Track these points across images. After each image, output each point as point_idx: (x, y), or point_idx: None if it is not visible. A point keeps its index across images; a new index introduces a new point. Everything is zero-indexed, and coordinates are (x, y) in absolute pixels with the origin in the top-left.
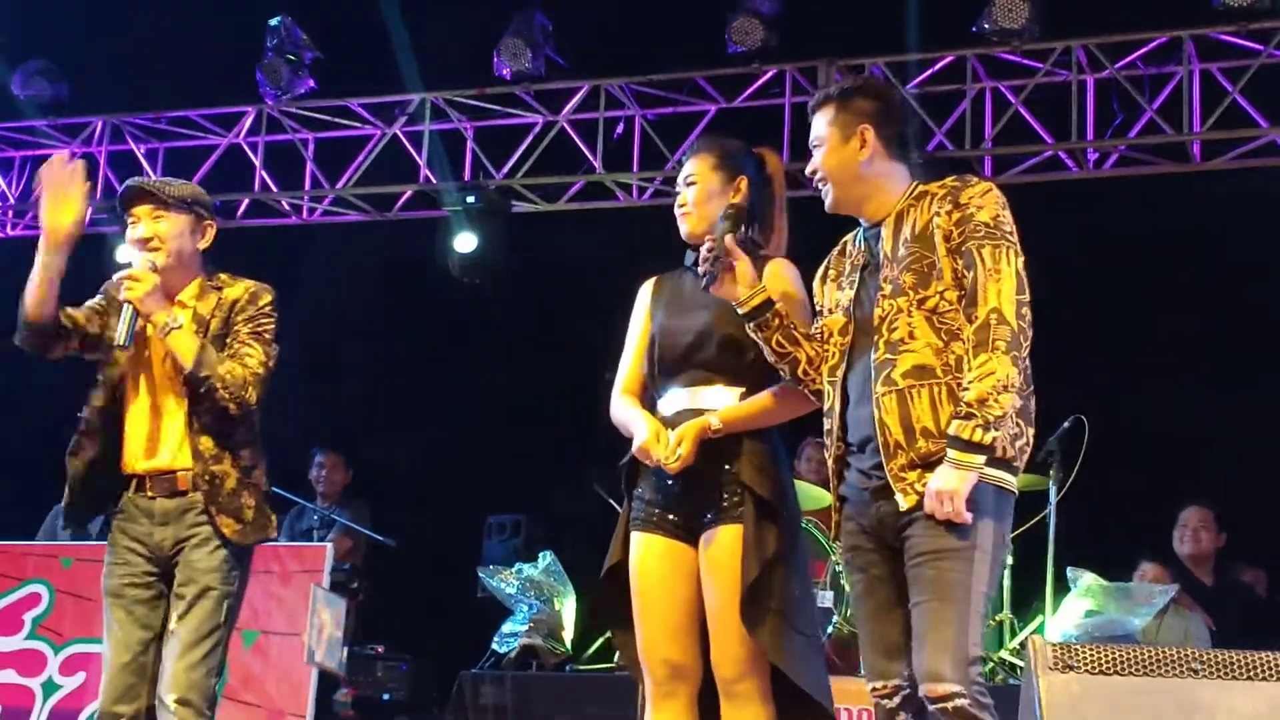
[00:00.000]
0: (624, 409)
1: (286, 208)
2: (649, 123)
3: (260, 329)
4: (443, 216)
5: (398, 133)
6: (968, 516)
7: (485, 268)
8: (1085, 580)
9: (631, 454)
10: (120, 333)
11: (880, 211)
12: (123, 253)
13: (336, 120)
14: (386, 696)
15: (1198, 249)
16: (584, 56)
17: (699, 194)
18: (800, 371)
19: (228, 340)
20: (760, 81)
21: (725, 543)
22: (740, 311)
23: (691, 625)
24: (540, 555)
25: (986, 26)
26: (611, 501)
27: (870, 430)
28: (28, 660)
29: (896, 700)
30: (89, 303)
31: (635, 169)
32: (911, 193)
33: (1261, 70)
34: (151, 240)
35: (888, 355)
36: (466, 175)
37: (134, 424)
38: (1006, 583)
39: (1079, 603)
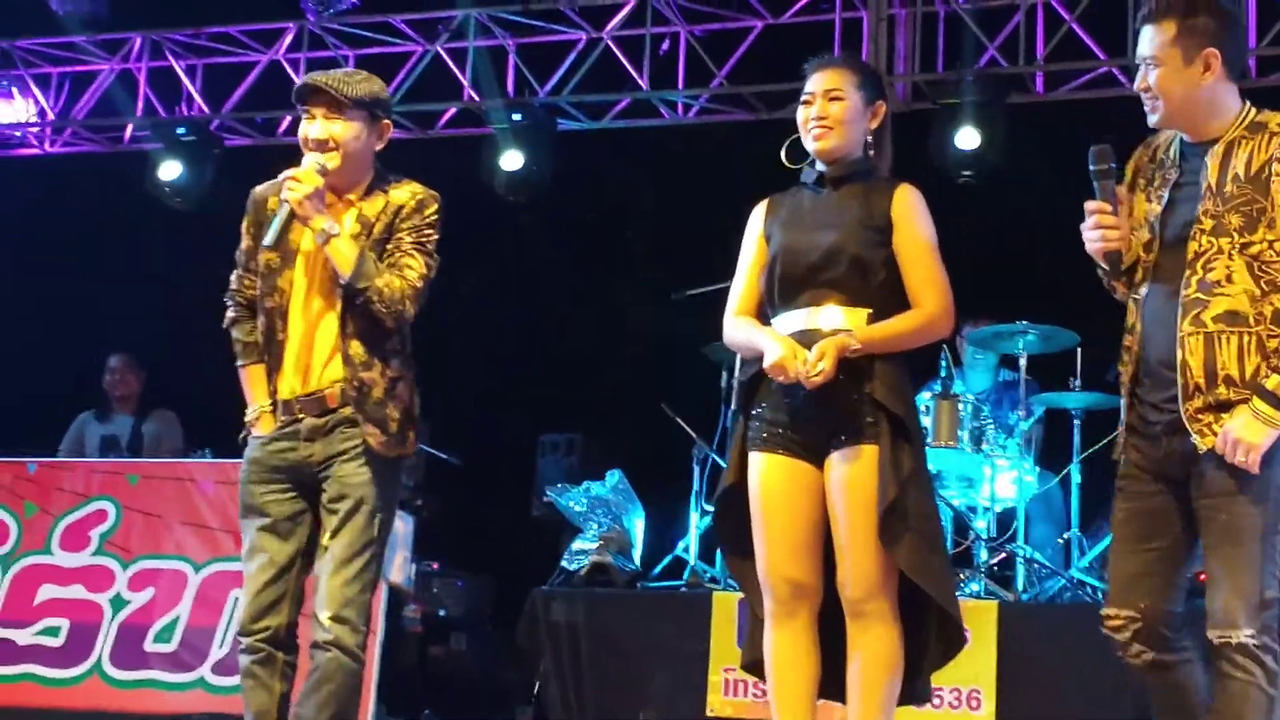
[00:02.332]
0: (745, 328)
1: None
2: (695, 39)
3: (424, 239)
4: (487, 134)
5: (440, 50)
6: (1257, 470)
7: (532, 186)
8: None
9: (751, 373)
10: (270, 233)
11: (1209, 133)
12: (166, 169)
13: (378, 37)
14: (443, 613)
15: None
16: None
17: (846, 111)
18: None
19: (388, 247)
20: None
21: (861, 462)
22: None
23: (815, 544)
24: (608, 474)
25: None
26: (680, 421)
27: (1166, 361)
28: (95, 576)
29: (1128, 633)
30: (242, 245)
31: (681, 86)
32: (1244, 120)
33: None
34: (327, 142)
35: (1199, 294)
36: (510, 93)
37: (291, 346)
38: (1074, 502)
39: None
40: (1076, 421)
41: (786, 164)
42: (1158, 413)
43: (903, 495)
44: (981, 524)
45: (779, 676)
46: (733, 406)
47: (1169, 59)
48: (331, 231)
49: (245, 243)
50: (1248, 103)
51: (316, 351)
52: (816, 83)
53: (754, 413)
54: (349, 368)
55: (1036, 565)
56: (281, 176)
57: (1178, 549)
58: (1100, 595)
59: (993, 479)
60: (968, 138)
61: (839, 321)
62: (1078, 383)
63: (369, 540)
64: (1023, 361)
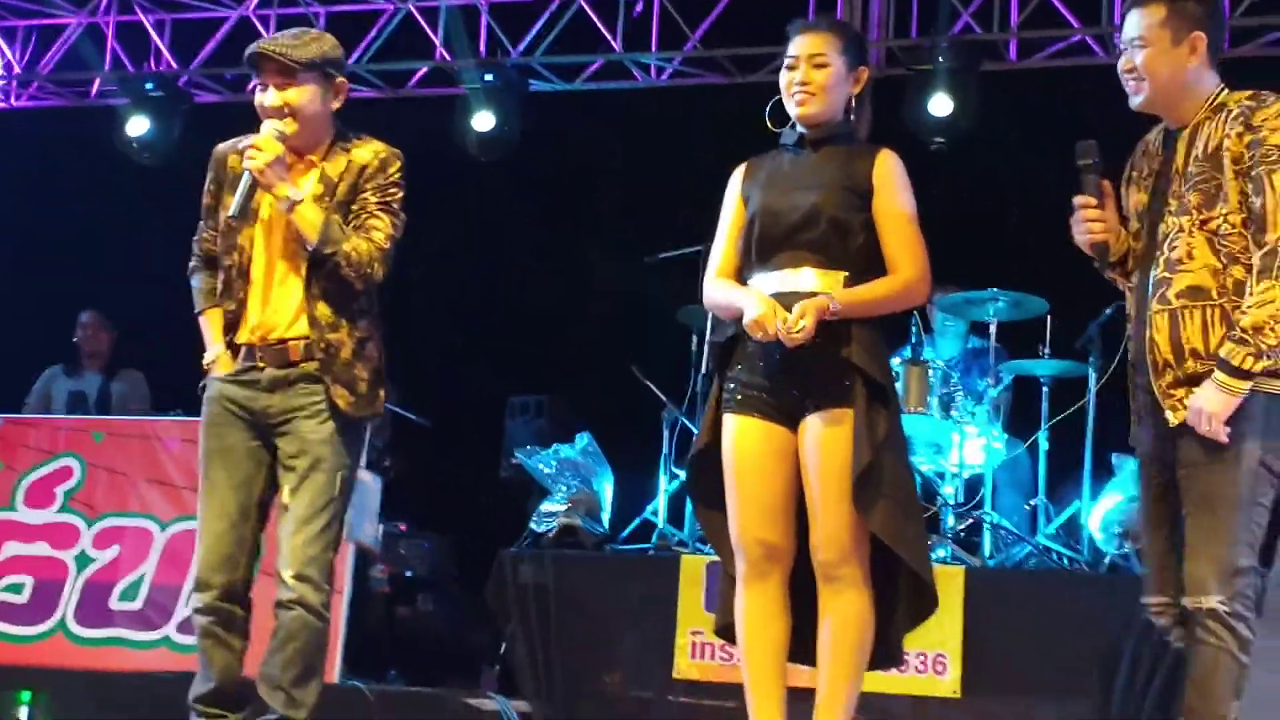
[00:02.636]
0: (724, 289)
1: None
2: (669, 1)
3: (389, 198)
4: (458, 94)
5: (412, 8)
6: (1225, 439)
7: (503, 146)
8: (1129, 466)
9: (728, 335)
10: (235, 204)
11: (1185, 117)
12: (134, 125)
13: None
14: (409, 574)
15: None
16: None
17: (829, 77)
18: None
19: (353, 208)
20: None
21: (836, 426)
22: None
23: (788, 507)
24: (577, 436)
25: None
26: (649, 385)
27: (1142, 343)
28: (60, 533)
29: (1170, 618)
30: (205, 201)
31: (654, 49)
32: (1211, 102)
33: None
34: (283, 109)
35: (1165, 273)
36: (482, 53)
37: (254, 297)
38: (1041, 469)
39: (1119, 489)
40: (1045, 389)
41: (770, 127)
42: (1144, 394)
43: (877, 460)
44: (949, 490)
45: (750, 638)
46: (704, 369)
47: (1157, 40)
48: (295, 198)
49: (206, 200)
50: (1220, 85)
51: (280, 311)
52: (800, 46)
53: (729, 375)
54: (315, 330)
55: (1003, 532)
56: (242, 144)
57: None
58: (1065, 560)
59: (961, 445)
60: (941, 104)
61: (816, 284)
62: (1047, 350)
63: (330, 499)
64: (993, 328)
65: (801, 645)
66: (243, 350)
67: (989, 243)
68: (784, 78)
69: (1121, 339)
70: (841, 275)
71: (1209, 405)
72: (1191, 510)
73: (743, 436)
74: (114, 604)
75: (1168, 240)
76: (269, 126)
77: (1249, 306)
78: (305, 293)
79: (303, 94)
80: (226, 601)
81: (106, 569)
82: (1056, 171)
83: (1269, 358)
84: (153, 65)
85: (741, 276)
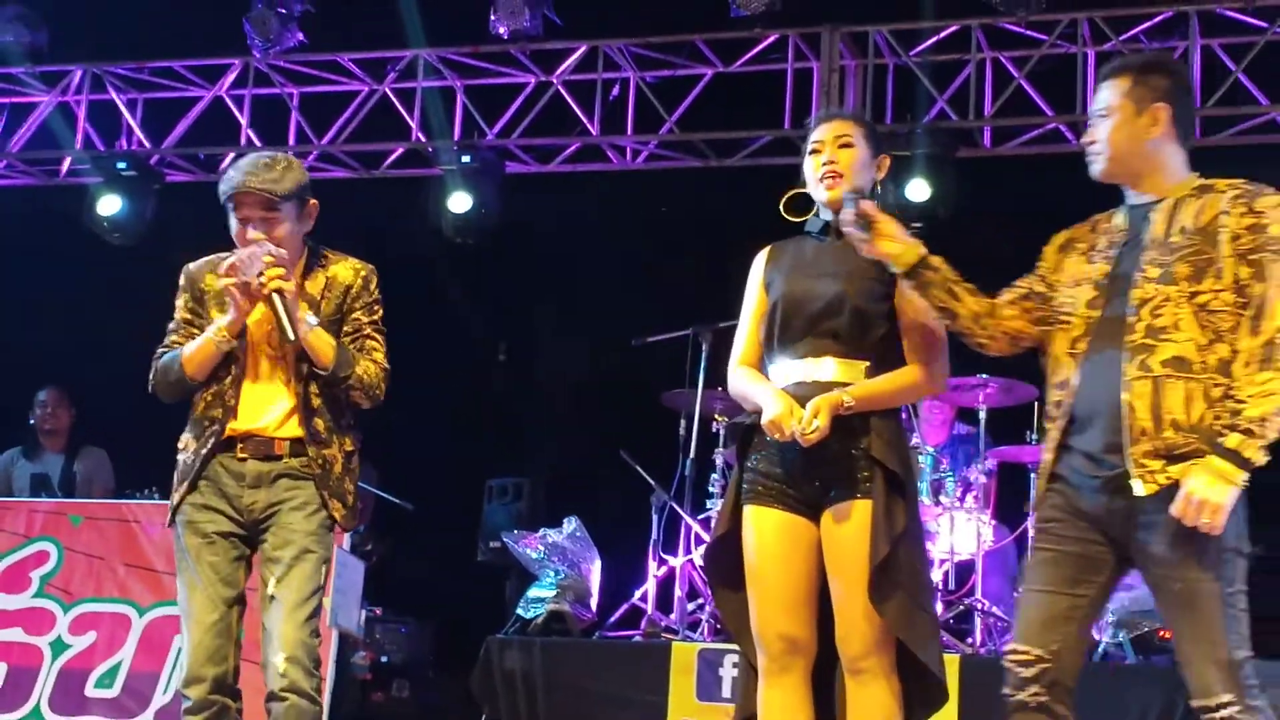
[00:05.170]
0: (747, 381)
1: None
2: (646, 85)
3: (377, 317)
4: (432, 176)
5: (387, 90)
6: (1219, 532)
7: (479, 227)
8: None
9: (748, 423)
10: (286, 328)
11: (1153, 191)
12: (105, 204)
13: (325, 75)
14: (384, 659)
15: None
16: (582, 16)
17: (855, 159)
18: (962, 325)
19: (345, 328)
20: (760, 47)
21: (855, 518)
22: (897, 270)
23: (810, 599)
24: (565, 520)
25: None
26: (640, 470)
27: (1105, 410)
28: (36, 619)
29: (1033, 670)
30: (177, 316)
31: (630, 131)
32: (1192, 184)
33: (1266, 48)
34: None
35: (1147, 339)
36: (457, 134)
37: (244, 404)
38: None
39: None
40: (1032, 475)
41: (786, 217)
42: (1094, 465)
43: (894, 553)
44: (940, 577)
45: None
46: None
47: (1120, 109)
48: (311, 322)
49: (183, 314)
50: (1194, 172)
51: (268, 416)
52: (824, 131)
53: (748, 464)
54: (314, 445)
55: (994, 619)
56: (221, 266)
57: (1098, 602)
58: None
59: (951, 532)
60: (918, 189)
61: (837, 374)
62: (1035, 436)
63: (316, 587)
64: (982, 414)
65: None
66: (224, 440)
67: None
68: (809, 164)
69: None
70: (864, 365)
71: (1214, 497)
72: (1175, 612)
73: (763, 528)
74: (90, 691)
75: (1149, 307)
76: (262, 250)
77: (1250, 395)
78: (302, 406)
79: (286, 224)
80: (219, 694)
81: (83, 655)
82: (1034, 256)
83: (1267, 453)
84: (124, 144)
85: (763, 363)
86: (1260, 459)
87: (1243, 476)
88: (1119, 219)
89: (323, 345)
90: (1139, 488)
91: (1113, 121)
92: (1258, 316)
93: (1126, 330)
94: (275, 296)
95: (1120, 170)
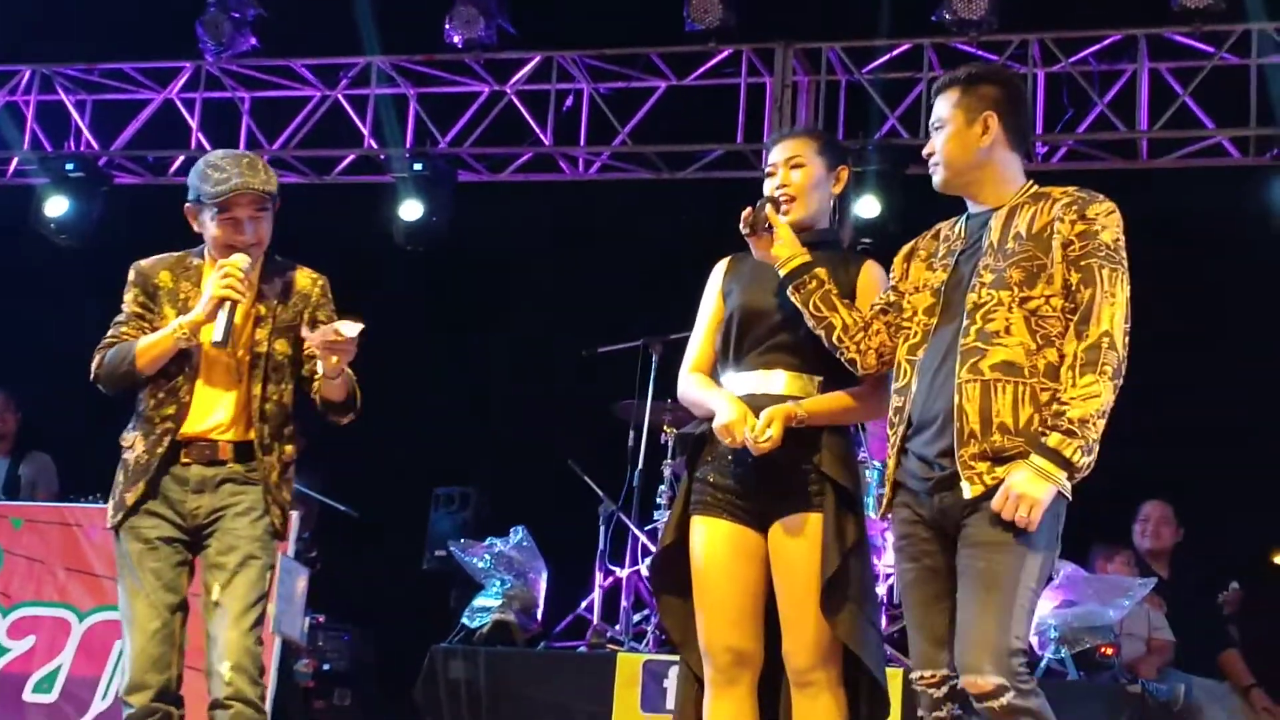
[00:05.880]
0: (699, 388)
1: None
2: (599, 96)
3: None
4: (384, 183)
5: (340, 96)
6: (1035, 528)
7: (430, 235)
8: (1066, 570)
9: (698, 433)
10: (219, 331)
11: (990, 199)
12: (53, 205)
13: (277, 80)
14: (327, 667)
15: (1149, 243)
16: (537, 26)
17: (807, 179)
18: (835, 338)
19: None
20: (714, 61)
21: (806, 531)
22: (781, 272)
23: (756, 612)
24: (512, 530)
25: (946, 17)
26: (587, 480)
27: (940, 413)
28: None
29: (943, 690)
30: (126, 310)
31: (583, 143)
32: (1028, 190)
33: (1213, 72)
34: (257, 245)
35: (978, 344)
36: (409, 142)
37: (195, 405)
38: None
39: (1057, 593)
40: None
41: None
42: (927, 467)
43: (845, 566)
44: (884, 591)
45: None
46: (641, 464)
47: (952, 120)
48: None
49: (132, 308)
50: (1031, 180)
51: (215, 418)
52: (777, 153)
53: (698, 475)
54: (262, 452)
55: None
56: (181, 268)
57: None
58: None
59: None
60: (868, 205)
61: (787, 387)
62: None
63: (261, 594)
64: None
65: None
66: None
67: None
68: (766, 187)
69: None
70: (816, 380)
71: (1032, 491)
72: (969, 588)
73: (711, 539)
74: (28, 696)
75: (982, 311)
76: (240, 258)
77: (1073, 398)
78: (250, 412)
79: (269, 223)
80: (162, 701)
81: (20, 660)
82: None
83: (1088, 453)
84: (73, 146)
85: (716, 372)
86: (1081, 460)
87: (1063, 476)
88: (959, 227)
89: (353, 384)
90: (967, 490)
91: (945, 133)
92: (1084, 321)
93: (961, 335)
94: (228, 304)
95: (957, 180)
